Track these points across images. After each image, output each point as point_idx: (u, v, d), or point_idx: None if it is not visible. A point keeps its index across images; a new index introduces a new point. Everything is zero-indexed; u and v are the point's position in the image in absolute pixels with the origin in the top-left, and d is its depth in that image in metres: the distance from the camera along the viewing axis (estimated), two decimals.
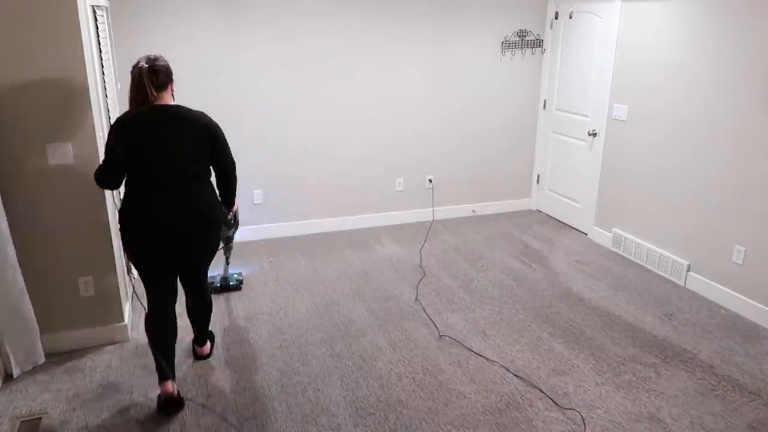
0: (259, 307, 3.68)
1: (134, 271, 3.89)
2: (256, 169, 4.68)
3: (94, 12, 3.24)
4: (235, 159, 2.75)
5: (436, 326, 3.45)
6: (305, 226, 4.98)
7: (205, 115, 2.60)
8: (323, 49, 4.61)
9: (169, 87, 2.57)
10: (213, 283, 3.85)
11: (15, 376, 2.91)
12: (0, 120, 2.76)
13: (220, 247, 3.10)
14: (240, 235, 4.76)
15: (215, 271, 3.67)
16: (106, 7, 3.81)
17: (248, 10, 4.35)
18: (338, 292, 3.91)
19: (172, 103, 2.59)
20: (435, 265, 4.35)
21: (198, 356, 3.12)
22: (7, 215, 2.80)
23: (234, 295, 3.85)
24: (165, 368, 2.65)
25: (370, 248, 4.68)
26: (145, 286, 2.68)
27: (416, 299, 3.80)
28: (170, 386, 2.65)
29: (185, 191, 2.54)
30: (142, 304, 2.87)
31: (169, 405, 2.65)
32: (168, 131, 2.49)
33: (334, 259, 4.45)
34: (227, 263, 3.89)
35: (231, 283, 3.92)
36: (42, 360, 3.02)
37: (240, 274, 4.06)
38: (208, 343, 3.15)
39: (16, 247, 2.84)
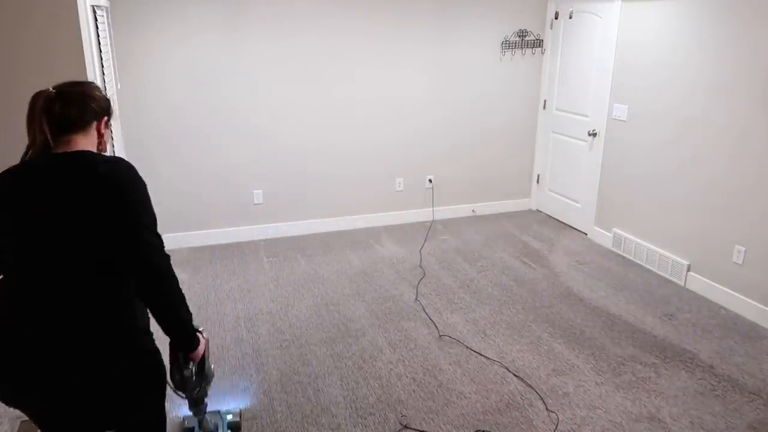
0: (259, 307, 3.68)
1: None
2: (256, 169, 4.68)
3: (94, 12, 3.24)
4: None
5: (436, 326, 3.45)
6: (305, 226, 4.98)
7: (121, 168, 1.56)
8: (323, 48, 4.61)
9: (91, 128, 1.62)
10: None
11: None
12: (0, 119, 2.76)
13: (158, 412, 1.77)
14: (240, 235, 4.78)
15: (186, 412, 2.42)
16: (106, 7, 3.81)
17: (248, 9, 4.35)
18: (338, 292, 3.90)
19: (87, 149, 1.59)
20: (435, 265, 4.35)
21: None
22: None
23: (234, 295, 3.85)
24: None
25: (370, 248, 4.69)
26: None
27: (416, 299, 3.80)
28: None
29: (66, 301, 1.49)
30: None
31: None
32: (50, 199, 1.49)
33: (334, 259, 4.45)
34: (201, 415, 2.20)
35: None
36: None
37: (235, 411, 2.58)
38: None
39: None
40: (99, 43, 3.31)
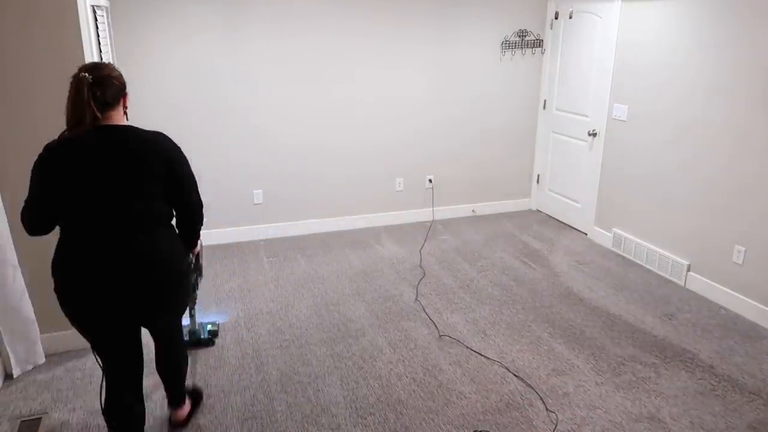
0: (259, 307, 3.68)
1: None
2: (256, 168, 4.68)
3: (94, 12, 3.24)
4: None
5: (436, 326, 3.45)
6: (305, 226, 4.98)
7: (163, 137, 2.07)
8: (323, 48, 4.61)
9: (121, 104, 2.05)
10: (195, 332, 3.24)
11: (15, 376, 2.91)
12: (0, 120, 2.76)
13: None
14: (240, 235, 4.78)
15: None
16: (106, 7, 3.81)
17: (247, 9, 4.35)
18: (338, 292, 3.90)
19: (123, 123, 2.06)
20: (435, 265, 4.35)
21: (174, 422, 2.54)
22: (7, 215, 2.81)
23: (234, 295, 3.85)
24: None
25: (370, 248, 4.69)
26: (98, 356, 2.14)
27: (416, 299, 3.80)
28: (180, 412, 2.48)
29: (133, 238, 1.99)
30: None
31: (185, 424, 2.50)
32: (110, 160, 1.95)
33: (334, 259, 4.45)
34: (191, 315, 3.19)
35: (201, 337, 3.21)
36: (42, 360, 3.02)
37: (215, 323, 3.38)
38: (186, 405, 2.56)
39: (16, 247, 2.85)
40: (99, 43, 3.31)
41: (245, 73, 4.47)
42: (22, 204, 2.03)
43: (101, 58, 3.32)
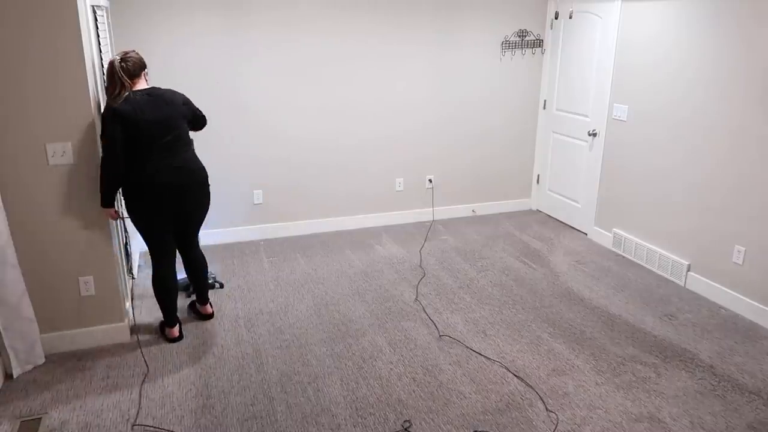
0: (259, 307, 3.68)
1: (134, 271, 3.89)
2: (256, 169, 4.68)
3: (94, 12, 3.24)
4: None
5: (436, 326, 3.45)
6: (305, 226, 4.98)
7: (173, 90, 3.10)
8: (323, 50, 4.61)
9: (142, 74, 2.95)
10: (188, 284, 3.75)
11: (15, 376, 2.91)
12: (0, 120, 2.76)
13: None
14: (240, 235, 4.79)
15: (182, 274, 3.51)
16: (106, 7, 3.81)
17: (248, 11, 4.35)
18: (338, 292, 3.91)
19: (146, 86, 2.98)
20: (435, 265, 4.35)
21: (203, 316, 3.51)
22: (7, 215, 2.81)
23: (234, 295, 3.85)
24: (172, 316, 3.24)
25: (370, 248, 4.69)
26: (152, 249, 3.11)
27: (416, 299, 3.80)
28: (176, 331, 3.28)
29: (181, 154, 3.02)
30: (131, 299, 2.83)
31: (176, 341, 3.26)
32: (156, 105, 2.91)
33: (334, 259, 4.45)
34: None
35: (215, 278, 3.98)
36: (42, 360, 3.02)
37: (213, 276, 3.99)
38: (210, 304, 3.53)
39: (16, 247, 2.85)
40: (99, 43, 3.31)
41: (245, 74, 4.46)
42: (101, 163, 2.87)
43: (101, 58, 3.32)
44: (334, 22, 4.57)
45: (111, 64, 2.82)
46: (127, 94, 2.83)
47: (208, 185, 3.21)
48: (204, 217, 3.29)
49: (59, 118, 2.85)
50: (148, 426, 2.59)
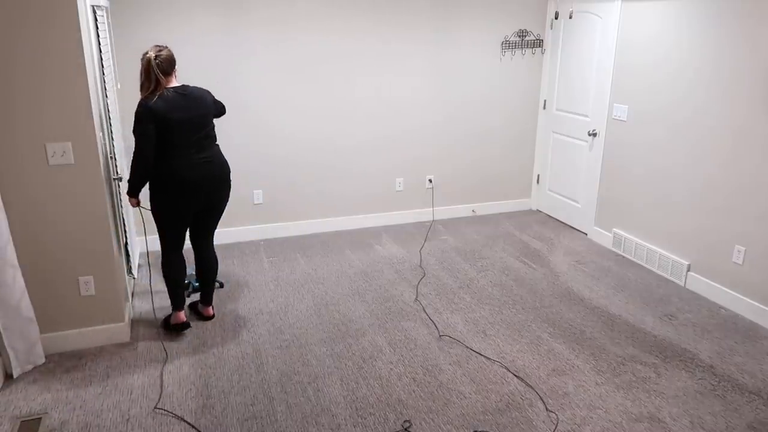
0: (259, 307, 3.68)
1: (134, 271, 3.89)
2: (256, 169, 4.68)
3: (94, 12, 3.24)
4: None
5: (436, 326, 3.45)
6: (305, 226, 4.98)
7: (200, 88, 3.19)
8: (323, 50, 4.61)
9: (173, 72, 3.02)
10: (189, 282, 3.72)
11: (15, 376, 2.91)
12: (0, 119, 2.76)
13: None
14: (240, 235, 4.79)
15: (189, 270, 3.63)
16: (106, 7, 3.81)
17: (248, 10, 4.35)
18: (338, 292, 3.91)
19: (176, 83, 3.05)
20: (435, 265, 4.35)
21: (204, 317, 3.50)
22: (7, 215, 2.80)
23: (234, 295, 3.85)
24: (179, 299, 3.30)
25: (370, 248, 4.69)
26: (166, 240, 3.19)
27: (416, 299, 3.80)
28: (182, 315, 3.33)
29: (209, 150, 3.14)
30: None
31: (183, 328, 3.31)
32: (188, 104, 3.01)
33: (333, 259, 4.45)
34: None
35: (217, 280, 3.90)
36: (42, 360, 3.02)
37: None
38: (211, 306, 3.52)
39: (16, 247, 2.85)
40: (99, 43, 3.31)
41: (245, 74, 4.46)
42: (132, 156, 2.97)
43: (101, 59, 3.32)
44: (333, 20, 4.57)
45: (148, 60, 2.89)
46: (161, 91, 2.92)
47: (230, 181, 3.30)
48: (223, 211, 3.36)
49: (59, 118, 2.85)
50: (148, 426, 2.59)
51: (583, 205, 5.01)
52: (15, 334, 2.88)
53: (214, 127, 3.20)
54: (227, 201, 3.34)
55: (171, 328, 3.33)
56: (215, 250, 3.44)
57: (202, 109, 3.09)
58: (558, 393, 2.83)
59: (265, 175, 4.74)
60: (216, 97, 3.27)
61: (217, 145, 3.23)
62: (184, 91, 3.04)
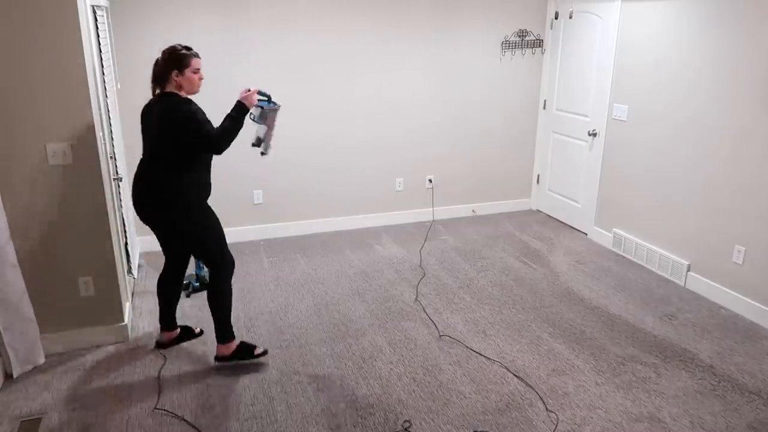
0: (259, 307, 3.68)
1: (134, 271, 3.89)
2: (256, 169, 4.68)
3: (94, 12, 3.24)
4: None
5: (436, 326, 3.45)
6: (305, 226, 4.98)
7: (169, 103, 2.70)
8: (323, 49, 4.61)
9: (169, 77, 2.69)
10: (189, 283, 3.76)
11: (15, 376, 2.91)
12: (0, 120, 2.76)
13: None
14: (240, 235, 4.78)
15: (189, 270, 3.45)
16: (106, 7, 3.81)
17: (248, 10, 4.35)
18: (338, 292, 3.90)
19: (169, 90, 2.74)
20: (435, 265, 4.35)
21: (216, 357, 3.04)
22: (7, 215, 2.80)
23: (234, 295, 3.82)
24: (163, 317, 3.15)
25: (370, 248, 4.68)
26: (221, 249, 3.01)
27: (416, 299, 3.80)
28: (165, 336, 3.20)
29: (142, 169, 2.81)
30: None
31: (164, 347, 3.19)
32: (149, 118, 2.77)
33: (333, 259, 4.45)
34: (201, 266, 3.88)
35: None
36: (42, 360, 3.02)
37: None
38: (227, 346, 3.00)
39: (16, 247, 2.85)
40: (99, 43, 3.31)
41: (245, 73, 4.46)
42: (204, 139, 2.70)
43: (101, 59, 3.32)
44: (333, 20, 4.57)
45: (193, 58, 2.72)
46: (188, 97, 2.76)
47: (162, 207, 2.84)
48: (184, 240, 2.96)
49: (59, 118, 2.85)
50: (148, 426, 2.59)
51: (583, 205, 5.01)
52: (15, 334, 2.88)
53: (165, 147, 2.76)
54: (180, 236, 2.89)
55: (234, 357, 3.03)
56: (209, 278, 2.99)
57: (154, 123, 2.78)
58: (558, 393, 2.83)
59: (265, 175, 4.74)
60: (198, 104, 2.78)
61: (156, 164, 2.79)
62: (156, 103, 2.81)
